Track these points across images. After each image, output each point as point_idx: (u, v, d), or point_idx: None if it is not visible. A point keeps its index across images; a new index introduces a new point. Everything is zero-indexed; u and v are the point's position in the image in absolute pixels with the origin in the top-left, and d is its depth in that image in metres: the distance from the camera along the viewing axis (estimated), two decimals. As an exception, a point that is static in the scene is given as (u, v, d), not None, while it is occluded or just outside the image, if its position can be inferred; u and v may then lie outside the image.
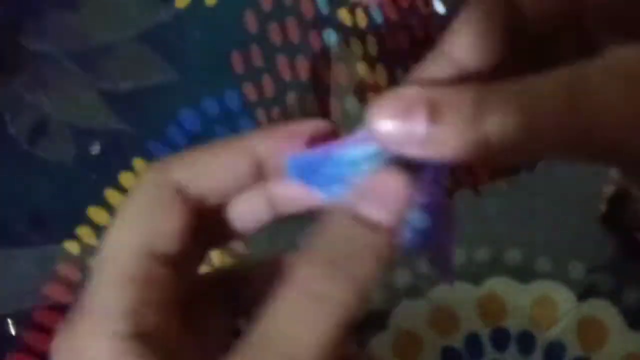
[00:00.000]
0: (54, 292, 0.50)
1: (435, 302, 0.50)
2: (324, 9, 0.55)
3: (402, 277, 0.51)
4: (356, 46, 0.54)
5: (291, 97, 0.53)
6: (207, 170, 0.25)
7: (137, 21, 0.54)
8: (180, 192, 0.25)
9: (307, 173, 0.25)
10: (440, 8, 0.55)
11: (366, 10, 0.55)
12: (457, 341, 0.50)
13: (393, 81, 0.54)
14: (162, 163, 0.25)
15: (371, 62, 0.54)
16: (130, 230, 0.24)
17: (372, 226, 0.22)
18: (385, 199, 0.22)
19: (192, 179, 0.25)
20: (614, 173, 0.53)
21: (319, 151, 0.24)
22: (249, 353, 0.21)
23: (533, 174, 0.52)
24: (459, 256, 0.51)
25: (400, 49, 0.54)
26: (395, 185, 0.23)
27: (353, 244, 0.22)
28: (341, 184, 0.24)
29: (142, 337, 0.23)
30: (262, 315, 0.22)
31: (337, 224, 0.23)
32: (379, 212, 0.22)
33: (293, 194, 0.26)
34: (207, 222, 0.26)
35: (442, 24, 0.55)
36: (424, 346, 0.50)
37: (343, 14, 0.55)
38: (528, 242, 0.51)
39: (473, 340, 0.50)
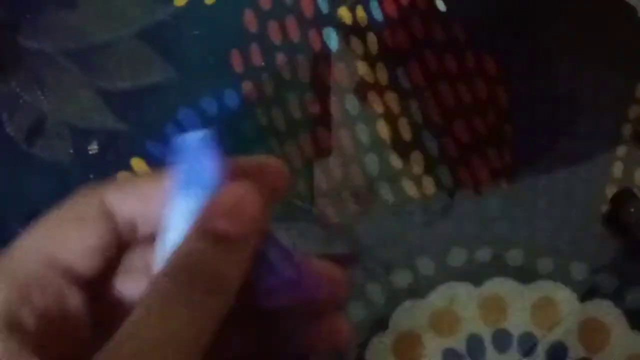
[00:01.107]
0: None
1: (435, 303, 0.50)
2: (324, 7, 0.54)
3: (403, 278, 0.50)
4: (356, 45, 0.54)
5: (291, 96, 0.53)
6: (140, 193, 0.25)
7: (135, 19, 0.54)
8: (107, 213, 0.24)
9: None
10: (441, 6, 0.54)
11: (366, 8, 0.54)
12: (458, 342, 0.50)
13: (393, 79, 0.53)
14: (99, 186, 0.25)
15: (371, 61, 0.54)
16: (40, 235, 0.24)
17: (220, 239, 0.22)
18: (232, 211, 0.23)
19: (122, 203, 0.24)
20: (617, 173, 0.52)
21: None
22: (107, 353, 0.21)
23: (535, 174, 0.52)
24: (459, 256, 0.51)
25: (400, 47, 0.54)
26: (242, 195, 0.23)
27: (200, 259, 0.22)
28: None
29: (18, 335, 0.22)
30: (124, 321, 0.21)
31: (187, 239, 0.23)
32: (225, 224, 0.22)
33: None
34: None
35: (442, 21, 0.54)
36: (424, 347, 0.50)
37: (343, 13, 0.54)
38: (530, 242, 0.51)
39: (474, 342, 0.50)
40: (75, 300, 0.24)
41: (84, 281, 0.24)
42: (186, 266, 0.22)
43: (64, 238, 0.24)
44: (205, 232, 0.22)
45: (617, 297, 0.50)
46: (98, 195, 0.24)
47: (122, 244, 0.25)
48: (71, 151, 0.52)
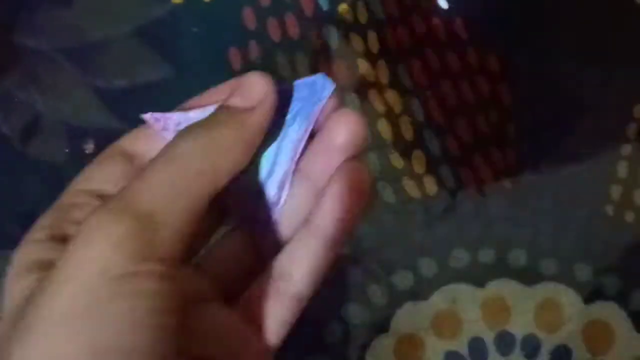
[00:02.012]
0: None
1: (437, 304, 0.49)
2: (324, 4, 0.54)
3: (404, 280, 0.50)
4: (357, 43, 0.53)
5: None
6: (147, 134, 0.28)
7: (132, 17, 0.53)
8: (124, 154, 0.28)
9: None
10: (442, 3, 0.54)
11: (367, 5, 0.54)
12: (460, 345, 0.49)
13: (394, 77, 0.53)
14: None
15: (372, 59, 0.53)
16: (75, 180, 0.27)
17: (241, 110, 0.26)
18: (250, 90, 0.27)
19: (134, 144, 0.28)
20: (621, 172, 0.52)
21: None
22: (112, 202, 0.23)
23: (538, 174, 0.51)
24: (462, 257, 0.50)
25: (401, 45, 0.54)
26: (258, 80, 0.27)
27: (222, 118, 0.26)
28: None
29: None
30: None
31: (211, 114, 0.26)
32: (245, 100, 0.26)
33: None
34: None
35: (444, 19, 0.54)
36: (426, 350, 0.49)
37: (343, 10, 0.54)
38: (533, 243, 0.51)
39: (477, 344, 0.49)
40: None
41: None
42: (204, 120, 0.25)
43: (92, 175, 0.27)
44: (221, 107, 0.26)
45: (621, 299, 0.50)
46: (117, 145, 0.28)
47: None
48: (67, 150, 0.52)
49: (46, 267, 0.23)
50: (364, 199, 0.27)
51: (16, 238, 0.53)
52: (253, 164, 0.27)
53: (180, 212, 0.23)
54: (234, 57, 0.53)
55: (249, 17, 0.53)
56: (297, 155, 0.27)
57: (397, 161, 0.52)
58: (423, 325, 0.49)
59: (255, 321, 0.27)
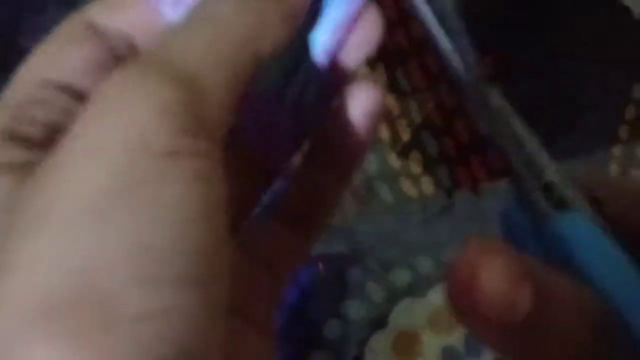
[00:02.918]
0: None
1: (434, 301, 0.50)
2: (324, 8, 0.54)
3: (402, 278, 0.51)
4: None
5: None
6: (124, 4, 0.23)
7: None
8: (94, 31, 0.22)
9: None
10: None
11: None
12: (456, 340, 0.50)
13: (393, 80, 0.53)
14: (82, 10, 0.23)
15: (370, 61, 0.54)
16: (31, 64, 0.22)
17: None
18: None
19: (108, 17, 0.22)
20: (613, 172, 0.52)
21: None
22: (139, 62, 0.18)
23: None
24: (458, 254, 0.51)
25: (400, 48, 0.54)
26: None
27: None
28: None
29: (23, 144, 0.20)
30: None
31: None
32: None
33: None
34: None
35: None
36: (423, 345, 0.50)
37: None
38: (527, 241, 0.51)
39: (472, 340, 0.50)
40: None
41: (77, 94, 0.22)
42: None
43: (54, 60, 0.22)
44: None
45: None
46: (81, 16, 0.22)
47: (121, 61, 0.22)
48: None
49: (10, 170, 0.19)
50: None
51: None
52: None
53: (226, 82, 0.18)
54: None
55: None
56: (336, 41, 0.23)
57: (394, 161, 0.53)
58: (420, 321, 0.50)
59: None
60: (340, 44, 0.23)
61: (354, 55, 0.24)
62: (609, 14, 0.55)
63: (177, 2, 0.22)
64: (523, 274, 0.18)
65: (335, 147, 0.23)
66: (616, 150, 0.53)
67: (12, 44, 0.54)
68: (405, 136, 0.53)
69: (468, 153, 0.53)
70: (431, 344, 0.50)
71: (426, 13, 0.25)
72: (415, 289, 0.51)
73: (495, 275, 0.17)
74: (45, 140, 0.20)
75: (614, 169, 0.53)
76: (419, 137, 0.53)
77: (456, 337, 0.50)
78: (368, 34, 0.24)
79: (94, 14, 0.22)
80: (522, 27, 0.55)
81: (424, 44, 0.56)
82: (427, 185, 0.52)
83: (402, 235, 0.51)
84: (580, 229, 0.21)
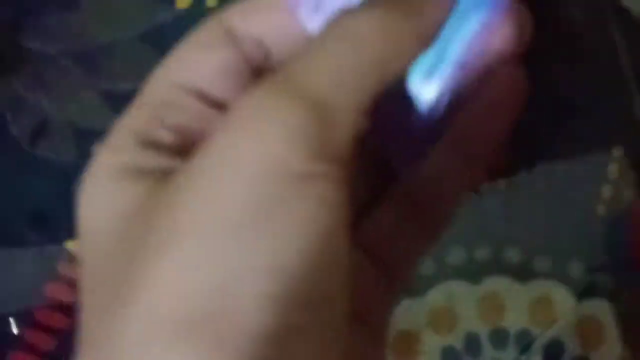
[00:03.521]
0: (55, 292, 0.50)
1: (434, 301, 0.50)
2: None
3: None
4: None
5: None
6: (263, 9, 0.22)
7: (137, 22, 0.54)
8: (230, 36, 0.22)
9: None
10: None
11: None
12: (456, 340, 0.50)
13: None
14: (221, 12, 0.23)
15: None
16: (167, 66, 0.22)
17: None
18: None
19: (245, 23, 0.22)
20: (612, 173, 0.52)
21: None
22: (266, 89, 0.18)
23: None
24: (458, 255, 0.51)
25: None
26: None
27: (399, 4, 0.20)
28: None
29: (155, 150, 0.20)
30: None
31: None
32: None
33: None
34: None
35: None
36: (423, 345, 0.50)
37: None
38: (527, 241, 0.51)
39: (472, 339, 0.50)
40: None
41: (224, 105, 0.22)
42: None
43: (190, 65, 0.22)
44: None
45: (613, 299, 0.51)
46: (219, 20, 0.23)
47: (255, 68, 0.22)
48: (74, 152, 0.52)
49: (142, 176, 0.19)
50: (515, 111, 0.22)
51: (25, 237, 0.54)
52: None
53: (356, 104, 0.18)
54: (237, 60, 0.54)
55: (251, 21, 0.54)
56: (472, 58, 0.21)
57: (395, 162, 0.53)
58: (420, 321, 0.50)
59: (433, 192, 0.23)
60: (476, 54, 0.22)
61: (493, 57, 0.23)
62: (608, 15, 0.55)
63: (318, 7, 0.21)
64: None
65: (471, 139, 0.23)
66: (616, 151, 0.53)
67: (13, 44, 0.54)
68: (406, 136, 0.53)
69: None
70: (431, 344, 0.50)
71: None
72: (416, 289, 0.51)
73: None
74: (177, 146, 0.20)
75: (613, 169, 0.53)
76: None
77: (456, 336, 0.50)
78: (508, 36, 0.23)
79: (231, 17, 0.22)
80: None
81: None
82: (428, 186, 0.52)
83: (402, 235, 0.51)
84: None
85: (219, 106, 0.22)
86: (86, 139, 0.52)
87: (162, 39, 0.54)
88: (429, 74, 0.21)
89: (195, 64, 0.22)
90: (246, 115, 0.18)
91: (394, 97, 0.21)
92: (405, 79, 0.22)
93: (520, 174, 0.52)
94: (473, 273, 0.51)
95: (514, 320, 0.50)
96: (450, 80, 0.21)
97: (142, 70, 0.53)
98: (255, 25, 0.22)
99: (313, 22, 0.21)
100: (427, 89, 0.21)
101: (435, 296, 0.50)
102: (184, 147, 0.20)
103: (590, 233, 0.51)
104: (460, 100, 0.22)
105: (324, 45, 0.19)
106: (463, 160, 0.23)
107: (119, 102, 0.53)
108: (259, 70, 0.23)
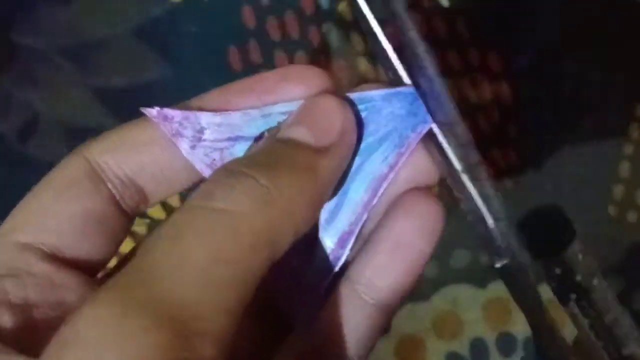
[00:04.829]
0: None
1: (439, 306, 0.49)
2: (324, 3, 0.53)
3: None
4: (357, 41, 0.53)
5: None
6: (130, 142, 0.20)
7: (131, 16, 0.53)
8: (94, 176, 0.20)
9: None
10: (444, 1, 0.53)
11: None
12: (461, 346, 0.49)
13: (395, 76, 0.52)
14: (82, 146, 0.20)
15: (372, 57, 0.53)
16: (16, 217, 0.19)
17: (313, 150, 0.18)
18: (325, 121, 0.19)
19: (111, 158, 0.20)
20: (623, 172, 0.51)
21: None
22: (115, 292, 0.15)
23: (540, 174, 0.51)
24: (463, 258, 0.50)
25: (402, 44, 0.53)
26: (335, 107, 0.19)
27: (287, 159, 0.18)
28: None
29: None
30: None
31: (268, 146, 0.19)
32: (318, 135, 0.19)
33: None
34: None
35: (445, 17, 0.53)
36: (427, 351, 0.49)
37: (343, 8, 0.53)
38: (535, 243, 0.50)
39: (478, 346, 0.49)
40: (71, 289, 0.19)
41: (85, 262, 0.19)
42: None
43: (41, 217, 0.19)
44: (283, 140, 0.18)
45: (624, 299, 0.49)
46: (82, 158, 0.20)
47: (130, 209, 0.20)
48: (65, 150, 0.51)
49: None
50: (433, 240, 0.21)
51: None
52: None
53: (229, 305, 0.15)
54: (234, 56, 0.53)
55: (248, 16, 0.53)
56: (376, 199, 0.20)
57: (397, 161, 0.52)
58: (424, 326, 0.49)
59: (333, 339, 0.20)
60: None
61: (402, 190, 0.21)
62: (612, 12, 0.54)
63: (197, 137, 0.20)
64: None
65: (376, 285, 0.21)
66: (627, 149, 0.52)
67: (3, 39, 0.53)
68: (409, 135, 0.52)
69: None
70: (435, 350, 0.49)
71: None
72: (419, 293, 0.49)
73: None
74: (19, 335, 0.17)
75: (624, 168, 0.52)
76: (423, 135, 0.52)
77: (461, 342, 0.49)
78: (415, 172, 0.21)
79: (98, 155, 0.19)
80: (521, 28, 0.54)
81: (427, 40, 0.55)
82: (431, 186, 0.51)
83: (405, 237, 0.50)
84: None
85: (76, 264, 0.19)
86: (77, 137, 0.51)
87: (156, 34, 0.52)
88: (329, 220, 0.20)
89: (49, 215, 0.19)
90: (82, 336, 0.14)
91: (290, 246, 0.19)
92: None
93: (527, 175, 0.51)
94: (478, 277, 0.50)
95: (522, 325, 0.49)
96: (353, 224, 0.20)
97: (135, 66, 0.52)
98: (127, 163, 0.20)
99: (193, 157, 0.20)
100: (326, 235, 0.20)
101: (439, 301, 0.49)
102: (28, 333, 0.17)
103: (601, 234, 0.50)
104: (364, 241, 0.21)
105: (186, 226, 0.15)
106: (370, 306, 0.20)
107: (111, 99, 0.52)
108: (130, 210, 0.20)
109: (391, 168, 0.20)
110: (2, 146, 0.51)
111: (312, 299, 0.21)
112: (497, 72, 0.53)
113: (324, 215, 0.20)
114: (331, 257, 0.20)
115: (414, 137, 0.20)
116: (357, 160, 0.20)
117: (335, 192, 0.20)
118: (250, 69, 0.52)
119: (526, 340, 0.49)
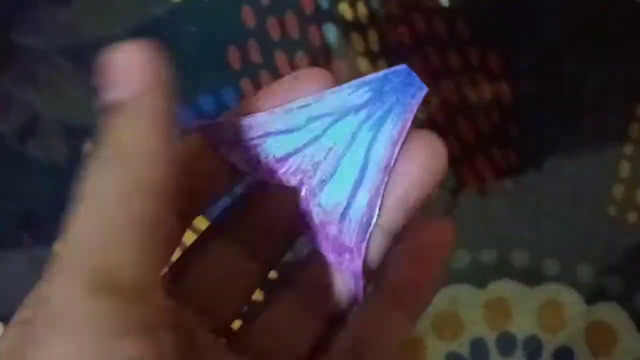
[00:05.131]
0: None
1: (438, 305, 0.49)
2: (324, 2, 0.53)
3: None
4: (357, 41, 0.53)
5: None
6: None
7: (130, 16, 0.53)
8: None
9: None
10: (444, 1, 0.53)
11: (367, 3, 0.53)
12: (461, 346, 0.49)
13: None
14: None
15: (373, 57, 0.53)
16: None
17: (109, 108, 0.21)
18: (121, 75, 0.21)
19: None
20: (624, 172, 0.51)
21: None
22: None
23: (541, 174, 0.51)
24: (463, 258, 0.50)
25: (402, 44, 0.53)
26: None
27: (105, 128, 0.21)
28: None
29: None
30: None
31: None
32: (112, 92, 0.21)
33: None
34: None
35: (445, 17, 0.53)
36: (427, 351, 0.49)
37: (344, 8, 0.53)
38: (535, 244, 0.50)
39: (478, 346, 0.49)
40: None
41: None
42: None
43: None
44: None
45: (624, 300, 0.49)
46: None
47: (184, 215, 0.26)
48: (65, 150, 0.51)
49: None
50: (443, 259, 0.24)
51: (15, 238, 0.52)
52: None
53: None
54: (234, 56, 0.52)
55: (248, 15, 0.53)
56: (392, 163, 0.24)
57: (397, 161, 0.51)
58: (424, 327, 0.49)
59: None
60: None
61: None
62: (612, 12, 0.54)
63: (235, 140, 0.25)
64: None
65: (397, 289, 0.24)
66: (627, 149, 0.52)
67: (4, 40, 0.53)
68: (409, 135, 0.52)
69: (473, 152, 0.52)
70: (435, 350, 0.49)
71: None
72: (419, 293, 0.49)
73: None
74: None
75: (624, 168, 0.52)
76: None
77: (461, 342, 0.49)
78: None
79: None
80: (522, 28, 0.54)
81: (427, 40, 0.55)
82: (431, 186, 0.51)
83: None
84: None
85: None
86: (77, 137, 0.51)
87: (156, 33, 0.52)
88: (358, 181, 0.24)
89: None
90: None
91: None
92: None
93: (527, 174, 0.51)
94: (478, 277, 0.50)
95: (522, 325, 0.49)
96: (379, 189, 0.24)
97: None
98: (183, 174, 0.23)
99: (234, 156, 0.24)
100: (360, 192, 0.24)
101: (439, 301, 0.49)
102: None
103: (601, 234, 0.50)
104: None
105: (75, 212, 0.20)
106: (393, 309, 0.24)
107: (112, 99, 0.52)
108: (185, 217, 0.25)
109: (400, 133, 0.24)
110: (2, 146, 0.51)
111: (355, 259, 0.24)
112: (497, 72, 0.53)
113: (353, 176, 0.24)
114: (365, 217, 0.24)
115: (414, 103, 0.24)
116: (372, 130, 0.24)
117: (358, 157, 0.24)
118: (250, 69, 0.52)
119: (526, 340, 0.49)
